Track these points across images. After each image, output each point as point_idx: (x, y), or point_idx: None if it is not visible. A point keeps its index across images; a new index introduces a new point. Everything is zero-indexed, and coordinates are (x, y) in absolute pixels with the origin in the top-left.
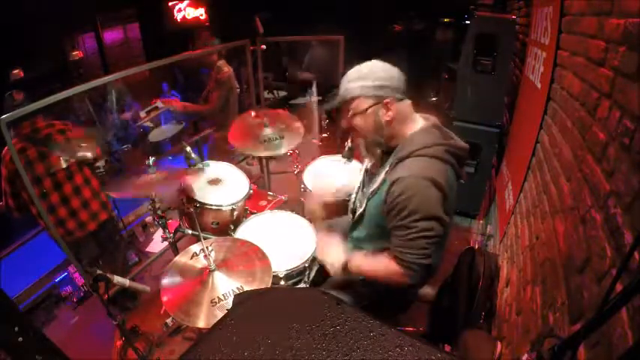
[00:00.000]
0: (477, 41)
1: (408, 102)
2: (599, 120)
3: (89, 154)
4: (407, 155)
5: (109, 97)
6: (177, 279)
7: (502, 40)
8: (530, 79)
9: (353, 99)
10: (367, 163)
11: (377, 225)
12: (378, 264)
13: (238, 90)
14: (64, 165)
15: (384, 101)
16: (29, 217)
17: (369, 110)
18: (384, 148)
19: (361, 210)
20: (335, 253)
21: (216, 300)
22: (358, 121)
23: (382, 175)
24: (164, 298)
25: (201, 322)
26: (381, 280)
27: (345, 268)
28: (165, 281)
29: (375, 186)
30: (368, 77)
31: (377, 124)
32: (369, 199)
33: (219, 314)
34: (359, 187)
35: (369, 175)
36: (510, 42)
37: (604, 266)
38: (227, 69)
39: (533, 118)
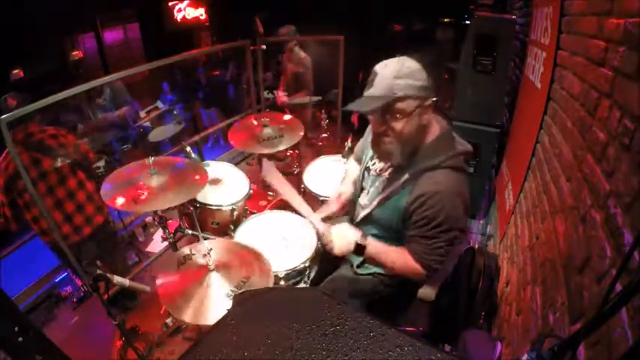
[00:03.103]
0: (477, 41)
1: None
2: (599, 120)
3: (71, 158)
4: (434, 167)
5: (104, 96)
6: (176, 270)
7: (502, 40)
8: (530, 79)
9: (401, 98)
10: (370, 162)
11: (391, 228)
12: (397, 257)
13: None
14: (56, 169)
15: (426, 103)
16: (26, 222)
17: (415, 112)
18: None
19: (368, 211)
20: (346, 229)
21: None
22: (402, 124)
23: (400, 181)
24: (158, 281)
25: (187, 317)
26: (393, 271)
27: (358, 245)
28: (164, 270)
29: (390, 190)
30: (413, 75)
31: (418, 128)
32: (382, 203)
33: (208, 312)
34: (359, 186)
35: (375, 175)
36: (510, 42)
37: (604, 266)
38: (304, 53)
39: (533, 118)
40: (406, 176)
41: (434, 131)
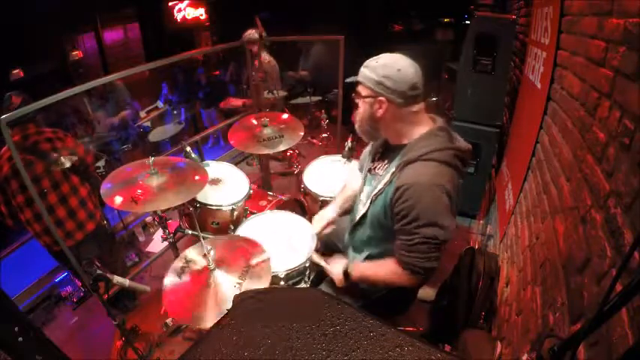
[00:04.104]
0: (477, 41)
1: (413, 108)
2: (599, 120)
3: (72, 162)
4: (415, 159)
5: (109, 96)
6: (178, 281)
7: (502, 40)
8: (530, 79)
9: (359, 83)
10: (370, 163)
11: (380, 226)
12: (381, 268)
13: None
14: (49, 174)
15: (378, 98)
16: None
17: (367, 100)
18: (378, 138)
19: (364, 211)
20: (337, 262)
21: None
22: (359, 104)
23: (388, 177)
24: (166, 301)
25: (208, 323)
26: (385, 284)
27: (345, 274)
28: (167, 284)
29: (380, 187)
30: (375, 70)
31: (369, 115)
32: (372, 201)
33: (221, 308)
34: (361, 186)
35: (372, 174)
36: (510, 42)
37: (604, 266)
38: (268, 56)
39: (533, 118)
40: (393, 169)
41: (423, 128)
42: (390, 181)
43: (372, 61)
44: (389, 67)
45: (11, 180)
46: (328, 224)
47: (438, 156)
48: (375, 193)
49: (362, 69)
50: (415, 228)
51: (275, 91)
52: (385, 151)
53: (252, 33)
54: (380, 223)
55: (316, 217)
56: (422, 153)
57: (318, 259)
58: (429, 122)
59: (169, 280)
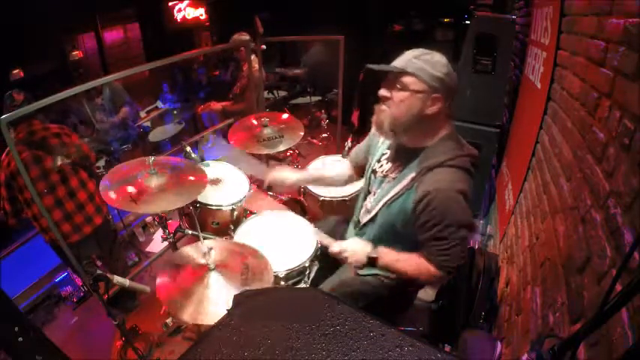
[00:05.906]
0: (477, 41)
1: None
2: (599, 120)
3: (78, 158)
4: (438, 164)
5: (103, 96)
6: (176, 268)
7: (502, 40)
8: (530, 79)
9: (410, 74)
10: (377, 164)
11: (393, 230)
12: (411, 263)
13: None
14: (58, 168)
15: (434, 95)
16: (26, 219)
17: (419, 95)
18: (403, 141)
19: (374, 213)
20: (357, 243)
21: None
22: (401, 96)
23: (406, 181)
24: (158, 280)
25: (186, 316)
26: (407, 277)
27: (370, 258)
28: (163, 277)
29: (396, 191)
30: (435, 66)
31: (417, 111)
32: (387, 204)
33: (206, 311)
34: (366, 188)
35: (380, 177)
36: (510, 42)
37: (604, 266)
38: (257, 66)
39: (533, 118)
40: (413, 174)
41: (442, 132)
42: (409, 187)
43: (423, 55)
44: (447, 65)
45: (18, 176)
46: (286, 183)
47: (458, 163)
48: (390, 197)
49: (414, 60)
50: (450, 233)
51: (275, 92)
52: (396, 153)
53: (239, 37)
54: (392, 226)
55: (275, 174)
56: (444, 159)
57: (325, 239)
58: (446, 126)
59: (165, 272)
